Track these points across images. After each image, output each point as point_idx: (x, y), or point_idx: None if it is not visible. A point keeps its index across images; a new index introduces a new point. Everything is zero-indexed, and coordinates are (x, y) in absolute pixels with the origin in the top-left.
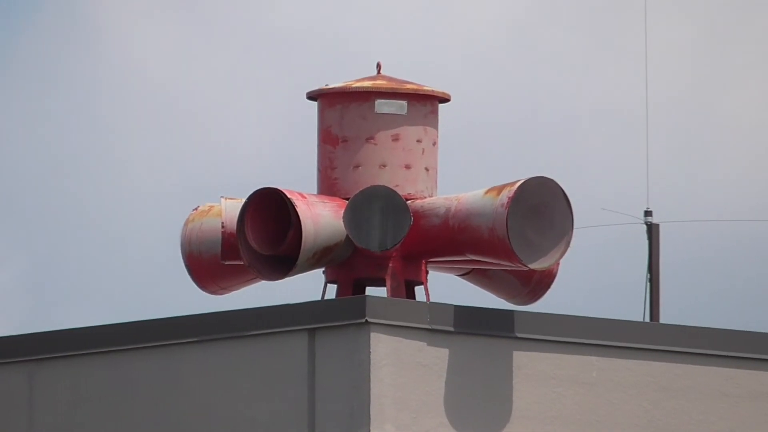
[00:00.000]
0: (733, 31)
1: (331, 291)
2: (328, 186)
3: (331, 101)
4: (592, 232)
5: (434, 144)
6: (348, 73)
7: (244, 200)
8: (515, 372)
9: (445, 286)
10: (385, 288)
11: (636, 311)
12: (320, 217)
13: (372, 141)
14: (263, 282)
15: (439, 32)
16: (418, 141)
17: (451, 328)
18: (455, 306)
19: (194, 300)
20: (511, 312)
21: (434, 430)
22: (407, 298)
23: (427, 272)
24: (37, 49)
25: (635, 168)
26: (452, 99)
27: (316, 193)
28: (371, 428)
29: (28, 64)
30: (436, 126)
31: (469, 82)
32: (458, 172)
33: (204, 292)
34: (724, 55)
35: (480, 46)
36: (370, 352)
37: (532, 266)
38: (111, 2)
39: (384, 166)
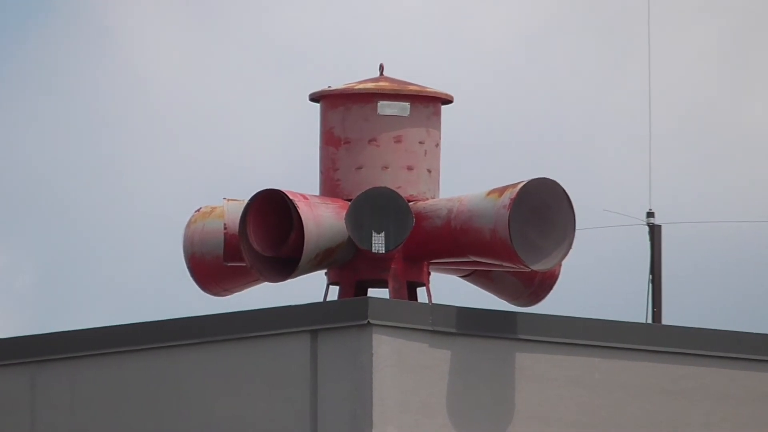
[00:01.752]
0: (737, 37)
1: (334, 293)
2: (330, 187)
3: (334, 103)
4: (594, 233)
5: (436, 145)
6: (350, 74)
7: (246, 202)
8: (517, 373)
9: (447, 288)
10: (387, 290)
11: (638, 313)
12: (322, 218)
13: (374, 142)
14: (266, 283)
15: (441, 34)
16: (421, 142)
17: (454, 330)
18: (457, 307)
19: (196, 301)
20: (513, 313)
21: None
22: (409, 299)
23: (429, 274)
24: (44, 52)
25: (637, 169)
26: (455, 100)
27: (318, 194)
28: (374, 429)
29: (34, 67)
30: (438, 127)
31: (471, 83)
32: (460, 174)
33: (206, 294)
34: (727, 60)
35: (483, 47)
36: (372, 353)
37: (534, 267)
38: (118, 6)
39: (386, 167)
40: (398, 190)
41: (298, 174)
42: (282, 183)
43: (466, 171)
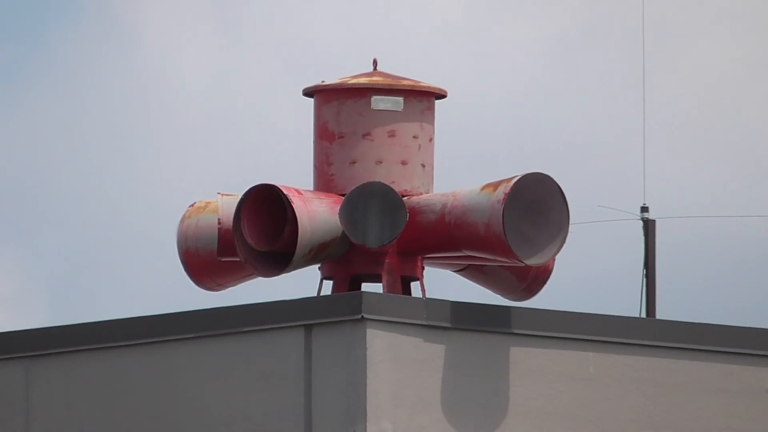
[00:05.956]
0: (734, 37)
1: (327, 287)
2: (324, 182)
3: (328, 98)
4: (588, 228)
5: (430, 140)
6: (344, 69)
7: (240, 196)
8: (512, 368)
9: (442, 282)
10: (381, 284)
11: (632, 307)
12: (316, 213)
13: (368, 137)
14: (259, 278)
15: (435, 28)
16: (415, 137)
17: (448, 324)
18: (451, 302)
19: (190, 296)
20: (507, 308)
21: (431, 426)
22: (403, 294)
23: (423, 268)
24: (45, 51)
25: (632, 164)
26: (449, 95)
27: (312, 189)
28: (368, 424)
29: (39, 67)
30: (432, 122)
31: (465, 78)
32: (454, 168)
33: (200, 289)
34: (723, 58)
35: (477, 42)
36: (366, 348)
37: (529, 262)
38: (114, 4)
39: (380, 162)
40: (392, 185)
41: (292, 169)
42: (276, 178)
43: (459, 166)
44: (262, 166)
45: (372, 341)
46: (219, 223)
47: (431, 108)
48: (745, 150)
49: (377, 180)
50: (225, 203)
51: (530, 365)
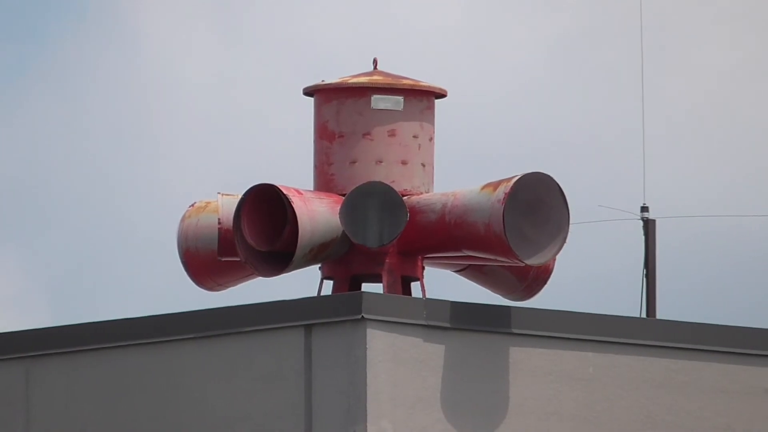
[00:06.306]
0: (733, 34)
1: (328, 287)
2: (324, 182)
3: (328, 97)
4: (588, 227)
5: (430, 140)
6: (344, 69)
7: (240, 196)
8: (512, 368)
9: (442, 282)
10: (381, 284)
11: (632, 307)
12: (317, 213)
13: (368, 137)
14: (260, 278)
15: (435, 28)
16: (415, 137)
17: (448, 324)
18: (452, 302)
19: (190, 296)
20: (507, 308)
21: (431, 427)
22: (403, 294)
23: (423, 268)
24: (47, 49)
25: (632, 164)
26: (448, 95)
27: (312, 189)
28: (368, 424)
29: (42, 66)
30: (432, 122)
31: (465, 78)
32: (454, 168)
33: (200, 289)
34: (720, 56)
35: (477, 42)
36: (366, 348)
37: (529, 262)
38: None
39: (380, 161)
40: (392, 185)
41: (292, 168)
42: (276, 177)
43: (460, 165)
44: (262, 166)
45: (372, 341)
46: (219, 222)
47: (431, 107)
48: (745, 150)
49: (377, 180)
50: (225, 203)
51: (530, 365)
